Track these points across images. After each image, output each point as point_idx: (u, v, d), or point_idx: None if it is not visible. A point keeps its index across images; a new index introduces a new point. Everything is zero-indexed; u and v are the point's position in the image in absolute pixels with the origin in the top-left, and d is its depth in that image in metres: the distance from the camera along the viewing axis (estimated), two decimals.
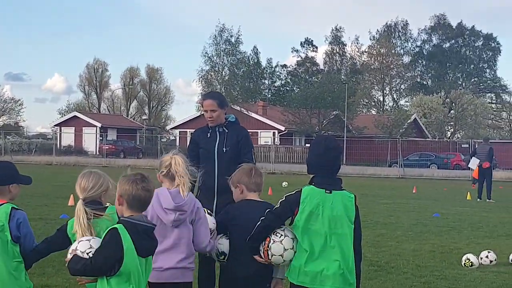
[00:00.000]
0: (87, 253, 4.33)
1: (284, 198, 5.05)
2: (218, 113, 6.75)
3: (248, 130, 7.18)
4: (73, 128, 72.06)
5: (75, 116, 76.54)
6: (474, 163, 24.59)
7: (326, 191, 4.96)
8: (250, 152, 6.78)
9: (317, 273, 4.88)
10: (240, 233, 5.20)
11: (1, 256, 4.80)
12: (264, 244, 5.03)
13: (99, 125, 72.71)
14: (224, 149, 6.72)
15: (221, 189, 6.40)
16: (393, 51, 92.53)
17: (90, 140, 69.23)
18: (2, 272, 4.83)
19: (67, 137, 70.52)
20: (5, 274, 4.84)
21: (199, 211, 5.04)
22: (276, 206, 5.08)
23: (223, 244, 5.35)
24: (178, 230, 4.95)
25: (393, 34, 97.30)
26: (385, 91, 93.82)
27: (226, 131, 6.81)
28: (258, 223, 5.02)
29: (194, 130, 7.28)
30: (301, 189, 5.01)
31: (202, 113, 7.04)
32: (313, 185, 5.01)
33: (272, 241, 5.00)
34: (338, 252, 4.91)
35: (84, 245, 4.38)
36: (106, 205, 4.99)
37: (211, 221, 5.34)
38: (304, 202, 4.93)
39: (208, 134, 6.81)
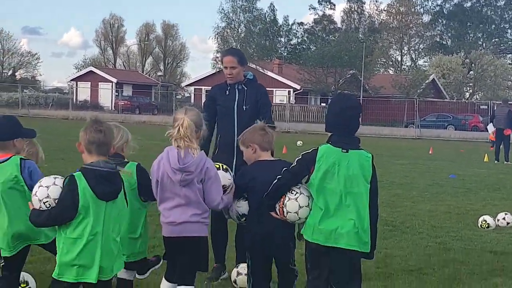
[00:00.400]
0: (44, 203, 4.37)
1: (300, 156, 4.99)
2: (238, 70, 6.65)
3: None
4: (89, 83, 72.03)
5: (91, 71, 76.47)
6: (491, 128, 24.37)
7: (343, 150, 4.90)
8: (269, 110, 6.73)
9: (331, 231, 4.85)
10: (257, 196, 5.18)
11: (26, 208, 4.79)
12: (280, 201, 5.00)
13: (114, 80, 72.65)
14: (244, 107, 6.64)
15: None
16: (412, 10, 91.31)
17: (106, 96, 69.35)
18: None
19: (83, 92, 70.62)
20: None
21: (208, 171, 4.96)
22: (292, 165, 5.02)
23: (242, 206, 5.34)
24: (187, 189, 4.93)
25: None
26: (403, 51, 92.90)
27: (245, 88, 6.73)
28: (275, 182, 5.00)
29: (211, 86, 7.18)
30: (318, 148, 4.94)
31: (220, 69, 6.99)
32: (329, 143, 4.94)
33: (287, 199, 4.97)
34: (354, 211, 4.86)
35: (42, 193, 4.41)
36: (126, 160, 5.05)
37: (226, 177, 5.28)
38: (320, 161, 4.88)
39: (227, 91, 6.72)
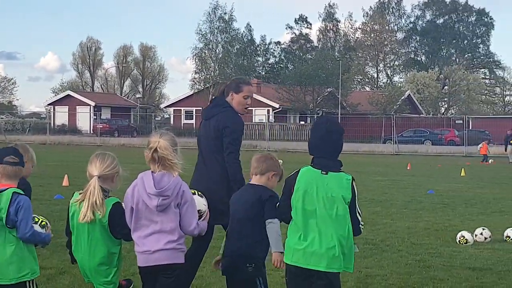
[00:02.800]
0: None
1: (284, 182, 5.12)
2: None
3: None
4: (67, 107, 71.79)
5: (68, 95, 76.13)
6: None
7: (322, 172, 4.96)
8: None
9: (312, 253, 4.89)
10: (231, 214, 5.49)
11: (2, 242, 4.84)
12: None
13: (92, 104, 72.43)
14: None
15: None
16: (386, 28, 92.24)
17: (84, 119, 69.07)
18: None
19: (61, 116, 70.30)
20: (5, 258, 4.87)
21: (184, 195, 4.88)
22: (281, 194, 5.15)
23: None
24: (164, 214, 4.83)
25: (386, 11, 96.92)
26: (379, 68, 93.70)
27: None
28: (277, 207, 5.22)
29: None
30: (299, 170, 5.04)
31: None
32: (311, 165, 5.03)
33: None
34: (333, 232, 4.90)
35: None
36: (110, 195, 5.06)
37: (202, 203, 5.34)
38: (300, 181, 4.97)
39: None
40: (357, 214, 5.02)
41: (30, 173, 5.72)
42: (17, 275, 4.89)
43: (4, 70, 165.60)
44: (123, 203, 5.04)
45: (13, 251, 4.87)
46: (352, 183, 5.00)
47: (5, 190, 4.89)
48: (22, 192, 4.96)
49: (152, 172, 4.88)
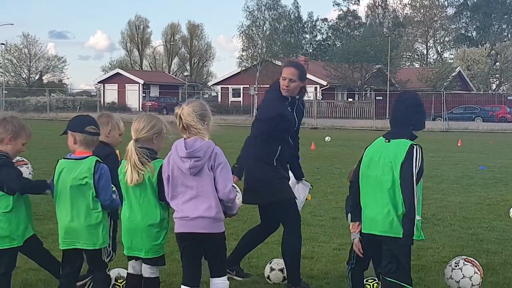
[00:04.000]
0: None
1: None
2: (296, 85, 6.27)
3: None
4: (116, 85, 72.62)
5: (118, 73, 77.01)
6: None
7: (386, 140, 5.14)
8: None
9: (371, 219, 5.09)
10: None
11: (85, 208, 5.11)
12: None
13: (141, 81, 73.14)
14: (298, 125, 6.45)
15: None
16: (436, 3, 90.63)
17: (133, 97, 69.85)
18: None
19: (111, 94, 71.31)
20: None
21: (217, 157, 4.84)
22: None
23: None
24: (199, 178, 4.82)
25: None
26: (428, 44, 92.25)
27: (301, 107, 6.46)
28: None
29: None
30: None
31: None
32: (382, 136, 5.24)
33: None
34: (388, 199, 4.99)
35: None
36: (158, 157, 5.13)
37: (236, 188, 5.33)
38: (368, 150, 5.22)
39: (288, 107, 6.32)
40: (411, 179, 4.89)
41: (118, 142, 5.87)
42: (99, 240, 5.14)
43: (55, 49, 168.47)
44: None
45: (96, 217, 5.11)
46: (411, 149, 4.97)
47: (86, 157, 5.11)
48: (101, 161, 5.16)
49: (184, 139, 4.91)
